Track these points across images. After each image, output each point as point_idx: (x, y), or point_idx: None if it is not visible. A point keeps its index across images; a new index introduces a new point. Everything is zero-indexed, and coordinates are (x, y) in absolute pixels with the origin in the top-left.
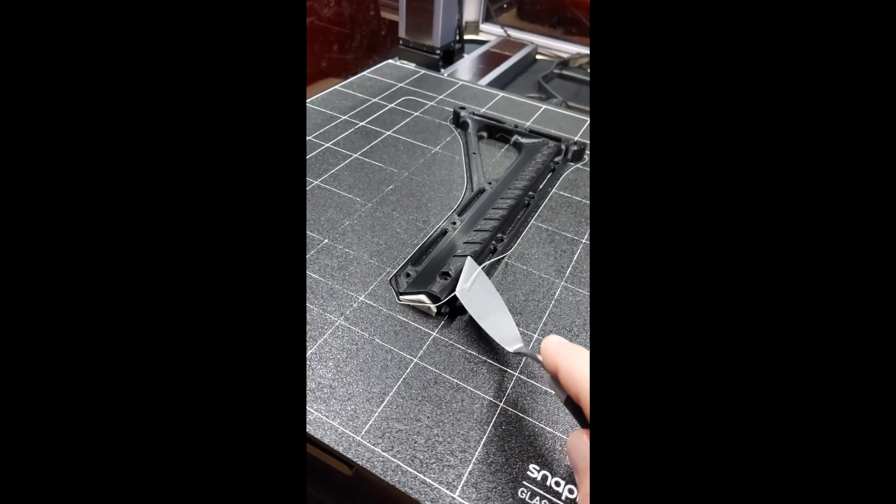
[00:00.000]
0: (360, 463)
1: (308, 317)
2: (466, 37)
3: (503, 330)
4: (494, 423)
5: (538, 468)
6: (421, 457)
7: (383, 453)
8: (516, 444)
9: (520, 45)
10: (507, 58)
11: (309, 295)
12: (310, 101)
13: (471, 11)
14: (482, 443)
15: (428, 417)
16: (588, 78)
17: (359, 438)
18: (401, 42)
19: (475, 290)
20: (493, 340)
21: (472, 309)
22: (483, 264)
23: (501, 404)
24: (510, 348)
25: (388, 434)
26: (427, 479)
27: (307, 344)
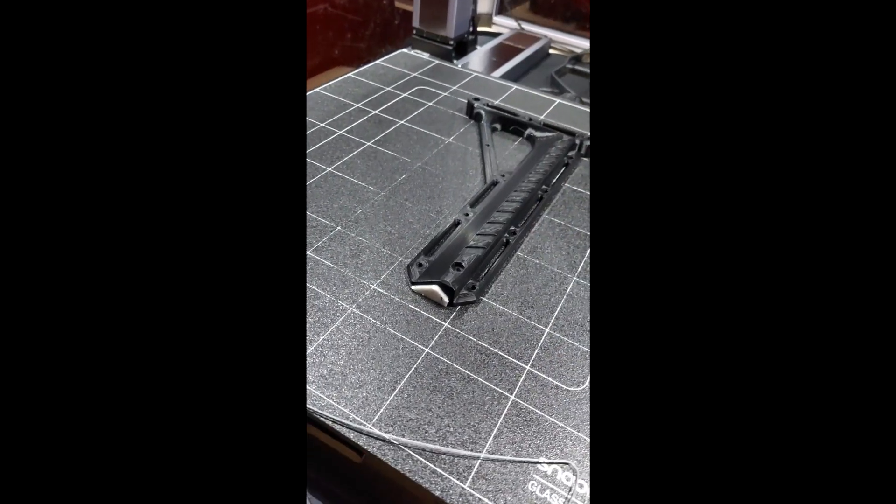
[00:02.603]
0: (370, 450)
1: (320, 303)
2: (479, 29)
3: None
4: (505, 415)
5: (548, 461)
6: (432, 447)
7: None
8: (527, 436)
9: (533, 38)
10: (520, 51)
11: (321, 282)
12: (322, 88)
13: (484, 3)
14: (493, 435)
15: (439, 408)
16: None
17: (369, 427)
18: (414, 32)
19: None
20: None
21: None
22: (496, 256)
23: (513, 397)
24: None
25: (399, 423)
26: (438, 469)
27: (319, 331)
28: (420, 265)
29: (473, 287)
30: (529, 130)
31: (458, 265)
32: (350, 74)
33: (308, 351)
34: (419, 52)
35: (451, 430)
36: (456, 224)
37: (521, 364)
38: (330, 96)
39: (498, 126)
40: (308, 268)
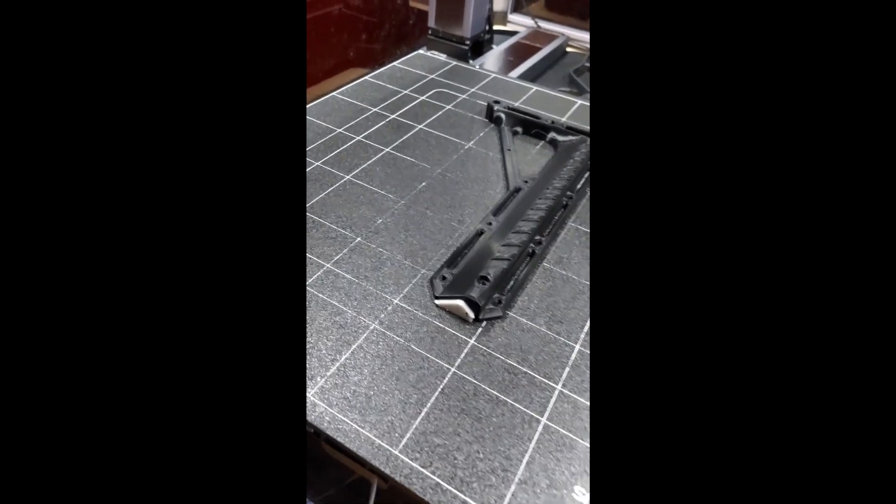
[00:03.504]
0: (397, 478)
1: (342, 320)
2: (494, 27)
3: None
4: (537, 440)
5: (584, 491)
6: (461, 475)
7: (422, 469)
8: (561, 463)
9: (550, 36)
10: (537, 50)
11: (343, 297)
12: (339, 92)
13: (499, 1)
14: (524, 461)
15: (467, 432)
16: None
17: (396, 452)
18: (430, 32)
19: None
20: None
21: None
22: (521, 268)
23: (544, 420)
24: None
25: (426, 449)
26: (468, 500)
27: (342, 349)
28: (444, 278)
29: (499, 301)
30: (552, 134)
31: (484, 278)
32: (366, 77)
33: (330, 371)
34: (435, 52)
35: (481, 456)
36: (479, 234)
37: (551, 384)
38: (346, 100)
39: (519, 129)
40: (329, 282)
